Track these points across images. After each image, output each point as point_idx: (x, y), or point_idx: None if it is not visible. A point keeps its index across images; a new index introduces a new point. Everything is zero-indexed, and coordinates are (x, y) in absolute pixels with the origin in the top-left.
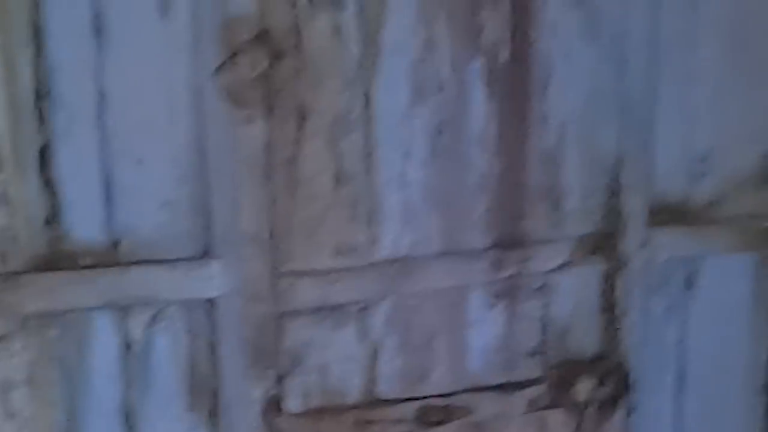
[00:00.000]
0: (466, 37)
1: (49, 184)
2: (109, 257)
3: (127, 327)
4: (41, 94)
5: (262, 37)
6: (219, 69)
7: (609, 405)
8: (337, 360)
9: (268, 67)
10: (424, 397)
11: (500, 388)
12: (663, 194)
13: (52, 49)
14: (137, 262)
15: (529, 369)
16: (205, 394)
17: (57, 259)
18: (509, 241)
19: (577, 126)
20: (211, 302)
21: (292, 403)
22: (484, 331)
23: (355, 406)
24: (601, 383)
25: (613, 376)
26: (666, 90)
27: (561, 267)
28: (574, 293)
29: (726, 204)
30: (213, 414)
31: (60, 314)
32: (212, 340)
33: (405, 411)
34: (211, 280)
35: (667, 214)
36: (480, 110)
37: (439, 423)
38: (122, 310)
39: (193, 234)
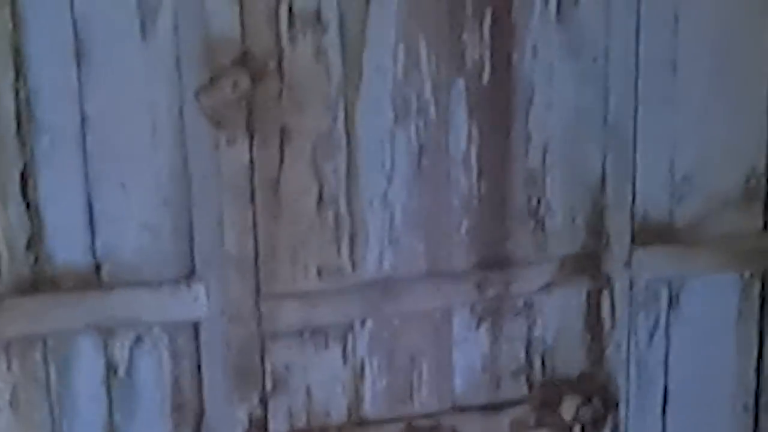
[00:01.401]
0: (448, 57)
1: (31, 208)
2: (92, 280)
3: (111, 349)
4: (23, 118)
5: (244, 59)
6: (201, 91)
7: (595, 424)
8: (321, 381)
9: (250, 89)
10: (410, 418)
11: (485, 408)
12: (646, 214)
13: (33, 73)
14: (120, 285)
15: (515, 389)
16: (190, 415)
17: (40, 282)
18: (493, 262)
19: (559, 146)
20: (194, 324)
21: (277, 425)
22: (469, 351)
23: (340, 427)
24: (586, 402)
25: (598, 396)
26: (648, 110)
27: (545, 287)
28: (558, 313)
29: (709, 224)
30: None
31: (43, 337)
32: (196, 361)
33: (390, 431)
34: (195, 303)
35: (651, 233)
36: (462, 131)
37: None
38: (106, 332)
39: (176, 256)
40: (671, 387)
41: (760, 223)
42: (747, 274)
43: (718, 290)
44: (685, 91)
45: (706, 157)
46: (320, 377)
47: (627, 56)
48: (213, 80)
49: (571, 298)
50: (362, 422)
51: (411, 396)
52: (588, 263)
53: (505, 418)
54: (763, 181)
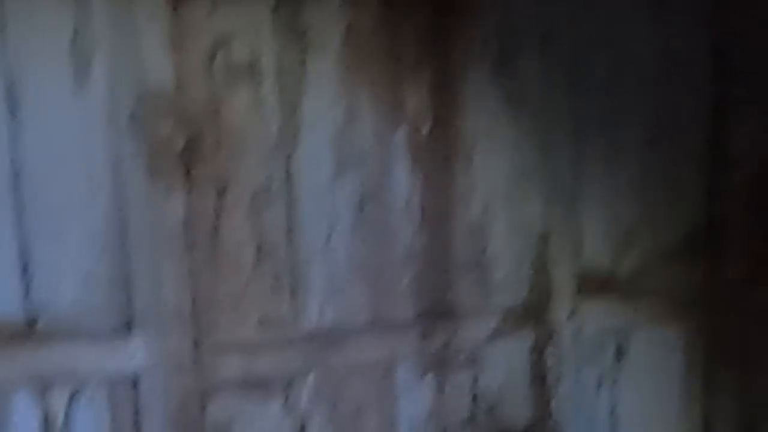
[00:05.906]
0: (388, 108)
1: None
2: (28, 332)
3: (48, 403)
4: None
5: (181, 109)
6: (137, 142)
7: None
8: None
9: (187, 140)
10: None
11: None
12: (590, 266)
13: None
14: (56, 337)
15: None
16: None
17: None
18: (437, 313)
19: (502, 197)
20: (133, 376)
21: None
22: (414, 402)
23: None
24: None
25: None
26: (591, 162)
27: (490, 338)
28: (503, 364)
29: (652, 276)
30: None
31: None
32: (135, 414)
33: None
34: (133, 354)
35: (595, 285)
36: (403, 181)
37: None
38: (42, 386)
39: (113, 308)
40: None
41: (701, 276)
42: (692, 327)
43: (664, 341)
44: (627, 145)
45: (648, 210)
46: (263, 430)
47: (567, 108)
48: (149, 131)
49: (517, 349)
50: None
51: None
52: (533, 314)
53: None
54: (704, 234)
